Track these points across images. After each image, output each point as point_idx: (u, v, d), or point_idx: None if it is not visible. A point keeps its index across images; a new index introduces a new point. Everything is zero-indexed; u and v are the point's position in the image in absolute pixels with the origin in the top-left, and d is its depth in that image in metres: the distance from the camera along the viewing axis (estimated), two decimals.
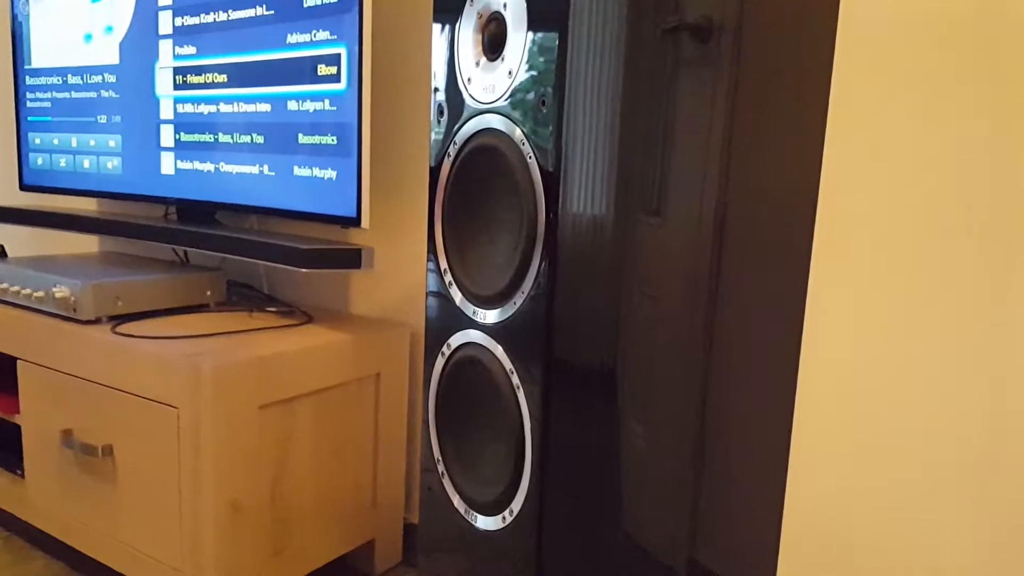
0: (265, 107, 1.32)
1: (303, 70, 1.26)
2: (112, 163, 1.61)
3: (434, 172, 0.90)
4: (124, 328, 1.21)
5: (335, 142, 1.23)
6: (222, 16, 1.36)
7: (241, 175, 1.38)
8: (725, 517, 0.97)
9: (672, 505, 0.92)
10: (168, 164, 1.50)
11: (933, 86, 0.93)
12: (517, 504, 0.83)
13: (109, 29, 1.56)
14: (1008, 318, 0.90)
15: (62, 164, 1.72)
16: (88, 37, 1.61)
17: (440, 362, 0.92)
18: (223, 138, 1.40)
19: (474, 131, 0.85)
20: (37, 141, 1.76)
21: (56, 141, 1.72)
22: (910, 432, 0.98)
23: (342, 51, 1.20)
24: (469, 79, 0.85)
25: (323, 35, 1.22)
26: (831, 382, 1.03)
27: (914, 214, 0.95)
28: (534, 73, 0.76)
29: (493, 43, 0.82)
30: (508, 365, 0.82)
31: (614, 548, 0.87)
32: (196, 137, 1.44)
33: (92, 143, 1.64)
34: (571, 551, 0.84)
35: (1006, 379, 0.91)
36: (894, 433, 0.99)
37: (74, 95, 1.66)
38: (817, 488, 1.05)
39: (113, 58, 1.56)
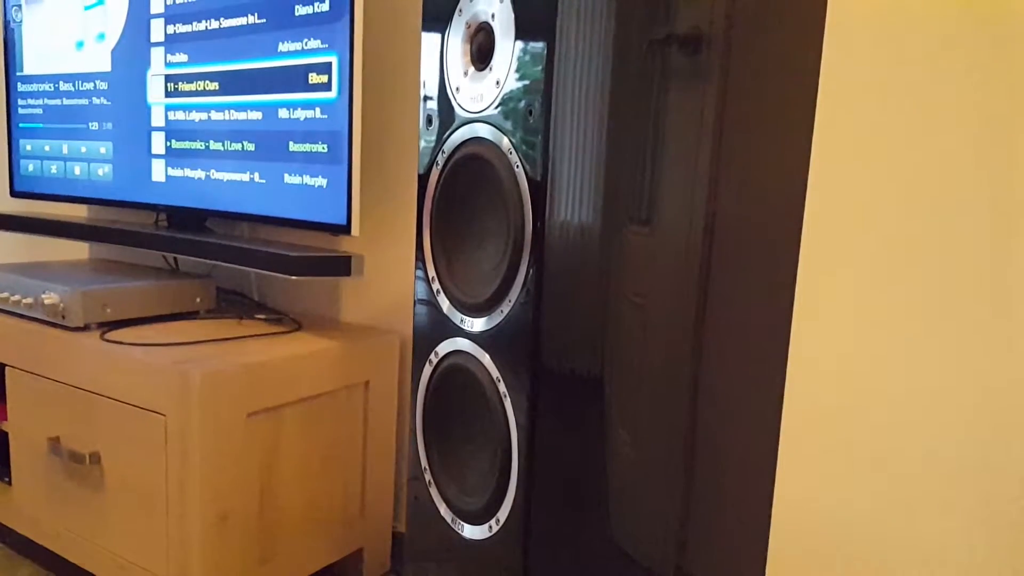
0: (256, 115, 1.32)
1: (294, 78, 1.26)
2: (103, 170, 1.61)
3: (422, 180, 0.91)
4: (113, 335, 1.21)
5: (326, 150, 1.23)
6: (214, 24, 1.36)
7: (232, 183, 1.38)
8: (713, 526, 0.97)
9: (660, 514, 0.92)
10: (159, 171, 1.50)
11: (922, 95, 0.94)
12: (504, 513, 0.83)
13: (101, 36, 1.56)
14: (993, 321, 0.91)
15: (53, 171, 1.71)
16: (80, 44, 1.61)
17: (428, 370, 0.92)
18: (214, 146, 1.40)
19: (462, 140, 0.85)
20: (28, 147, 1.76)
21: (47, 148, 1.72)
22: (899, 445, 0.98)
23: (333, 60, 1.21)
24: (458, 88, 0.85)
25: (314, 44, 1.23)
26: (819, 391, 1.03)
27: (902, 224, 0.96)
28: (522, 83, 0.77)
29: (481, 53, 0.83)
30: (495, 373, 0.82)
31: (601, 557, 0.87)
32: (187, 144, 1.44)
33: (83, 150, 1.64)
34: (558, 560, 0.84)
35: (990, 383, 0.92)
36: (883, 446, 0.99)
37: (66, 102, 1.66)
38: (805, 497, 1.05)
39: (105, 65, 1.56)
